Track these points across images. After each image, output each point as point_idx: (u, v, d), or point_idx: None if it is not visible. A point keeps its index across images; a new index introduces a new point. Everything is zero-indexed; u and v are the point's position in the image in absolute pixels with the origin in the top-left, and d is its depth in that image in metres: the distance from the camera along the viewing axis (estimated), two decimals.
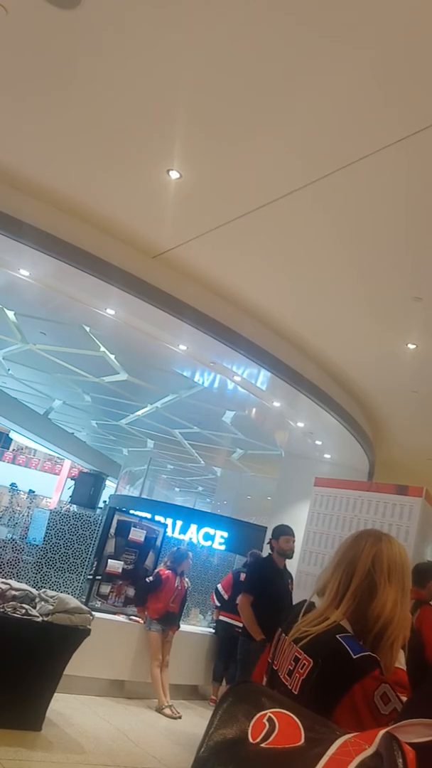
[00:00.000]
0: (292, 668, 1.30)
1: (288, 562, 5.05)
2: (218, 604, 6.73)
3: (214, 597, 6.87)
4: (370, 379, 6.56)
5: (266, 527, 9.10)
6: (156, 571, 6.11)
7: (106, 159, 3.92)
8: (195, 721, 5.61)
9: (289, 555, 4.82)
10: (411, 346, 5.36)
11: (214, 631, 6.77)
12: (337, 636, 1.27)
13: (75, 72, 3.19)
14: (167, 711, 5.50)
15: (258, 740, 0.74)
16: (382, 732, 0.65)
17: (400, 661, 1.32)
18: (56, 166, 4.16)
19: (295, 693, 1.25)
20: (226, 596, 6.60)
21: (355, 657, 1.23)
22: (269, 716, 0.77)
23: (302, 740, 0.72)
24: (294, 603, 1.48)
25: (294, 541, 4.80)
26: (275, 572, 4.80)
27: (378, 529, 1.54)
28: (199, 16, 2.65)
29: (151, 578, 5.97)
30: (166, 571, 5.98)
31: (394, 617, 1.33)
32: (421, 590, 4.32)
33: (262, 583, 4.73)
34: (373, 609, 1.33)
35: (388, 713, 1.14)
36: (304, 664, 1.27)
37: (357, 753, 0.64)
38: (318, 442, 8.02)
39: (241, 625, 6.13)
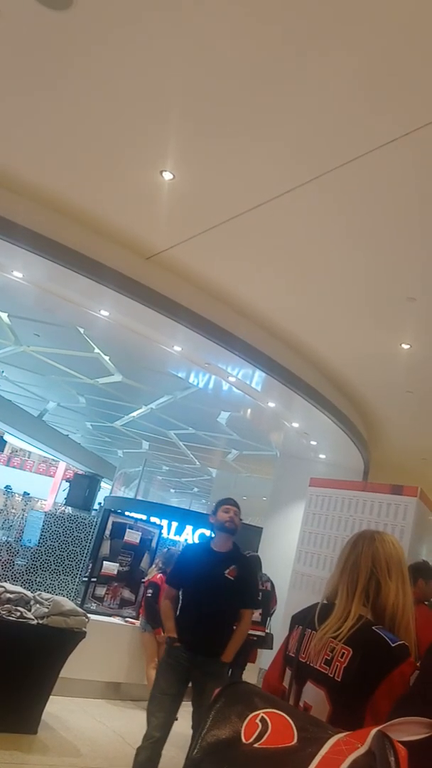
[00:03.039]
0: (329, 658, 1.47)
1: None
2: None
3: None
4: (364, 379, 6.58)
5: (262, 528, 9.10)
6: (149, 580, 5.92)
7: (99, 160, 3.92)
8: (191, 723, 5.59)
9: (231, 528, 3.57)
10: (405, 346, 5.38)
11: None
12: (373, 627, 1.47)
13: (67, 73, 3.18)
14: None
15: (251, 740, 0.74)
16: (374, 731, 0.66)
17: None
18: (49, 167, 4.15)
19: (338, 679, 1.42)
20: None
21: (393, 645, 1.41)
22: (262, 716, 0.77)
23: (295, 740, 0.72)
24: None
25: (236, 511, 3.59)
26: (202, 557, 3.58)
27: (371, 530, 1.74)
28: (192, 17, 2.65)
29: (150, 592, 5.78)
30: (158, 575, 5.95)
31: (399, 604, 1.54)
32: (413, 589, 4.35)
33: (179, 571, 3.65)
34: (382, 603, 1.54)
35: None
36: (344, 653, 1.45)
37: (350, 752, 0.65)
38: (313, 443, 8.03)
39: (251, 632, 6.02)
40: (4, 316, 8.01)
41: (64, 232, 4.57)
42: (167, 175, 3.80)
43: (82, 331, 7.37)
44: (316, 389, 6.33)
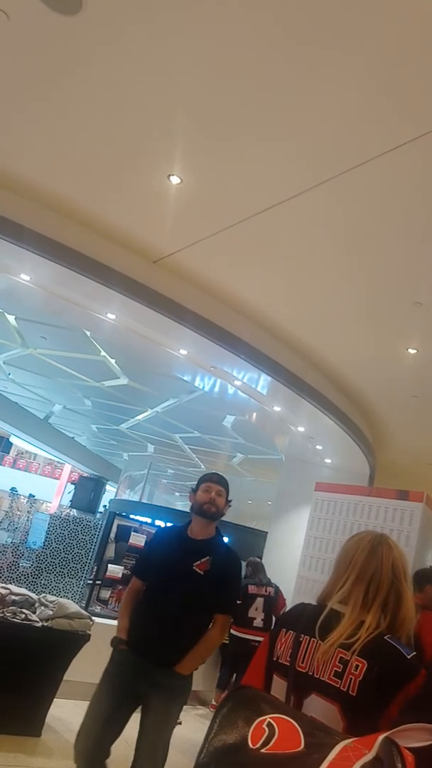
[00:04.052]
0: (340, 670, 1.41)
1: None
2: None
3: None
4: (370, 383, 6.56)
5: (266, 532, 9.08)
6: None
7: (107, 164, 3.93)
8: (195, 727, 5.58)
9: (211, 513, 2.82)
10: (411, 351, 5.36)
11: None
12: (387, 639, 1.43)
13: (76, 77, 3.20)
14: None
15: (258, 745, 0.74)
16: (381, 737, 0.65)
17: None
18: (57, 170, 4.17)
19: (353, 693, 1.37)
20: None
21: (408, 658, 1.39)
22: (269, 721, 0.77)
23: (302, 745, 0.72)
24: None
25: (220, 491, 2.86)
26: (173, 543, 2.90)
27: (380, 533, 1.67)
28: (200, 21, 2.66)
29: None
30: None
31: (413, 615, 1.54)
32: (419, 594, 4.33)
33: (145, 559, 3.03)
34: (404, 614, 1.52)
35: None
36: (357, 665, 1.39)
37: (357, 758, 0.64)
38: (318, 447, 8.01)
39: (254, 638, 6.00)
40: (12, 318, 8.04)
41: (72, 236, 4.59)
42: (175, 179, 3.82)
43: (88, 334, 7.40)
44: (322, 393, 6.32)
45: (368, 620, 1.47)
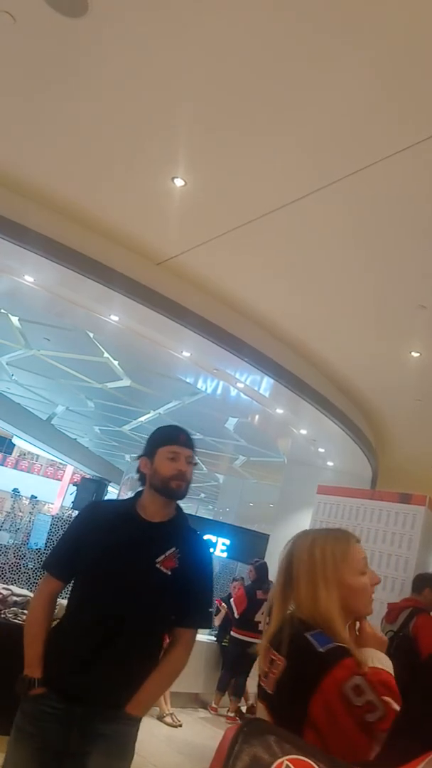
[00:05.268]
0: (267, 670, 1.32)
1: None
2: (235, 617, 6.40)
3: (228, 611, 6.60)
4: (373, 386, 6.55)
5: (269, 535, 9.07)
6: None
7: (111, 166, 3.94)
8: (196, 730, 5.57)
9: (181, 492, 1.92)
10: (415, 354, 5.36)
11: (219, 642, 6.66)
12: (306, 635, 1.26)
13: (81, 80, 3.21)
14: (168, 719, 5.46)
15: None
16: None
17: (383, 663, 1.30)
18: (61, 172, 4.18)
19: (271, 692, 1.27)
20: (237, 614, 6.33)
21: (320, 650, 1.22)
22: (287, 765, 0.73)
23: None
24: None
25: (189, 458, 1.95)
26: (120, 528, 1.91)
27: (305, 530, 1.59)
28: (206, 24, 2.67)
29: None
30: None
31: (328, 603, 1.33)
32: (417, 597, 4.34)
33: (71, 549, 1.98)
34: (321, 603, 1.34)
35: (362, 704, 1.13)
36: (278, 664, 1.28)
37: None
38: (321, 450, 8.00)
39: (256, 641, 5.94)
40: (15, 320, 8.06)
41: (75, 237, 4.60)
42: (179, 182, 3.82)
43: (91, 335, 7.41)
44: (325, 396, 6.32)
45: (284, 616, 1.37)
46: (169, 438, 1.98)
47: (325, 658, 1.20)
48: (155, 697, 1.90)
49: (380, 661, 1.30)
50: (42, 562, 1.96)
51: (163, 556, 1.85)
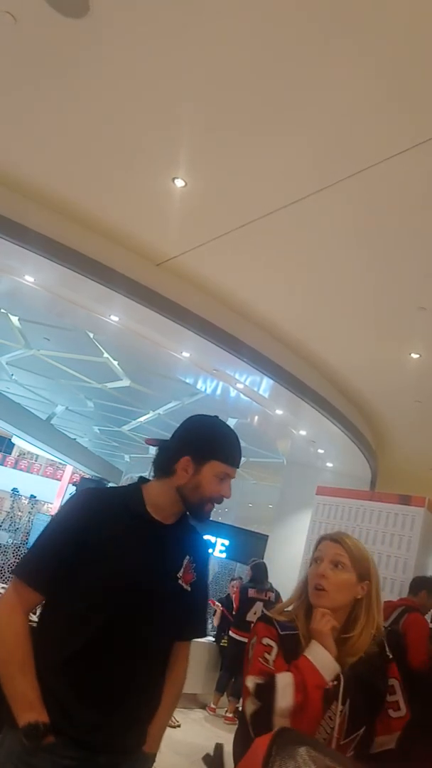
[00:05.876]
0: None
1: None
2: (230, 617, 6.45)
3: (225, 610, 6.63)
4: (373, 388, 6.56)
5: (268, 536, 9.07)
6: None
7: (112, 166, 3.94)
8: (194, 730, 5.57)
9: (205, 513, 1.62)
10: (414, 356, 5.36)
11: (217, 642, 6.65)
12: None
13: (82, 80, 3.21)
14: None
15: None
16: None
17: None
18: (62, 172, 4.18)
19: None
20: (233, 611, 6.36)
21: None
22: None
23: None
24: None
25: (232, 479, 1.63)
26: (128, 526, 1.54)
27: None
28: (207, 25, 2.67)
29: None
30: None
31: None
32: (413, 599, 4.43)
33: (62, 554, 1.48)
34: None
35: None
36: None
37: None
38: (320, 451, 8.00)
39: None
40: (15, 320, 8.06)
41: (76, 237, 4.60)
42: (179, 183, 3.82)
43: (91, 335, 7.41)
44: (324, 397, 6.32)
45: None
46: (229, 456, 1.62)
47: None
48: (166, 726, 1.61)
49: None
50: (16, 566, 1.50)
51: (182, 570, 1.59)
